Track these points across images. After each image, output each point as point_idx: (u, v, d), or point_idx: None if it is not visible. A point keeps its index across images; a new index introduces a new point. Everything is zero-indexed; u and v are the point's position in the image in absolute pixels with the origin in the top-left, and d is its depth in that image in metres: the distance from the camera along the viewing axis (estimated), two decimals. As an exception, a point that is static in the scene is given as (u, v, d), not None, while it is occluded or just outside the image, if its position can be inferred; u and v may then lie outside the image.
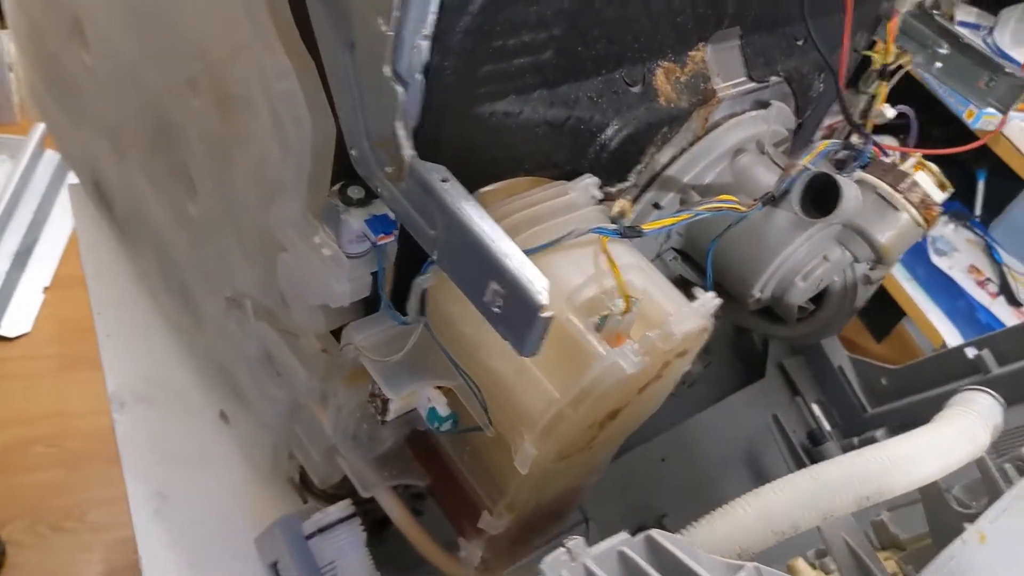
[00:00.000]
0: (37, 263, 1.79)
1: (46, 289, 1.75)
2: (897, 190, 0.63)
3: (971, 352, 0.83)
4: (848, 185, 0.59)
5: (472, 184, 0.55)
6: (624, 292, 0.49)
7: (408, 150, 0.44)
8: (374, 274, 0.53)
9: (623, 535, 0.36)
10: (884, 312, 1.79)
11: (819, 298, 0.70)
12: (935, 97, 1.33)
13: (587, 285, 0.50)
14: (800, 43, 0.70)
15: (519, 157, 0.55)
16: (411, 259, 0.53)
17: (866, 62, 0.78)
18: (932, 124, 0.90)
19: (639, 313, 0.50)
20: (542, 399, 0.48)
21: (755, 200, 0.60)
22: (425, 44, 0.41)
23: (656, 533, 0.35)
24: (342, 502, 0.62)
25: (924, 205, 0.64)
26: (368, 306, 0.58)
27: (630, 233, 0.54)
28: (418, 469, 0.62)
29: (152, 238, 0.83)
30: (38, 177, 1.87)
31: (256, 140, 0.54)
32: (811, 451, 0.96)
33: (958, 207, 1.71)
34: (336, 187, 0.51)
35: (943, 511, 0.47)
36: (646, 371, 0.50)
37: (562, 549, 0.34)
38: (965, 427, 0.45)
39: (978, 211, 1.70)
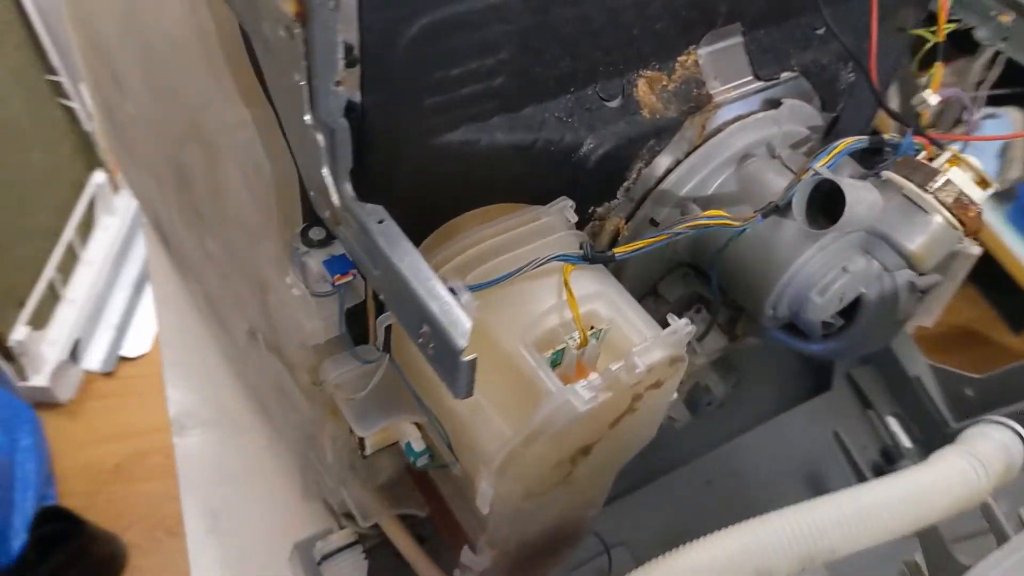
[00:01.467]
0: (153, 287, 1.93)
1: (161, 311, 1.89)
2: (926, 190, 0.57)
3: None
4: (855, 189, 0.53)
5: (442, 215, 0.54)
6: (580, 324, 0.47)
7: (336, 196, 0.44)
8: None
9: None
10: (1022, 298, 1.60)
11: (852, 311, 0.64)
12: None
13: (546, 316, 0.48)
14: (820, 31, 0.64)
15: (490, 183, 0.54)
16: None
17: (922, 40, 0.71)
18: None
19: (604, 344, 0.48)
20: (495, 438, 0.46)
21: (755, 212, 0.56)
22: (341, 89, 0.41)
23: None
24: (344, 530, 0.63)
25: (960, 206, 0.57)
26: (358, 341, 0.58)
27: (599, 258, 0.51)
28: (418, 498, 0.62)
29: (195, 270, 0.87)
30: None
31: (232, 186, 0.56)
32: (885, 470, 0.89)
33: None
34: (300, 228, 0.52)
35: (944, 561, 0.41)
36: (610, 406, 0.47)
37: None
38: (954, 471, 0.40)
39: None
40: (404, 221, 0.51)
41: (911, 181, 0.57)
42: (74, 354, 1.73)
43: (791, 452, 0.86)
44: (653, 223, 0.60)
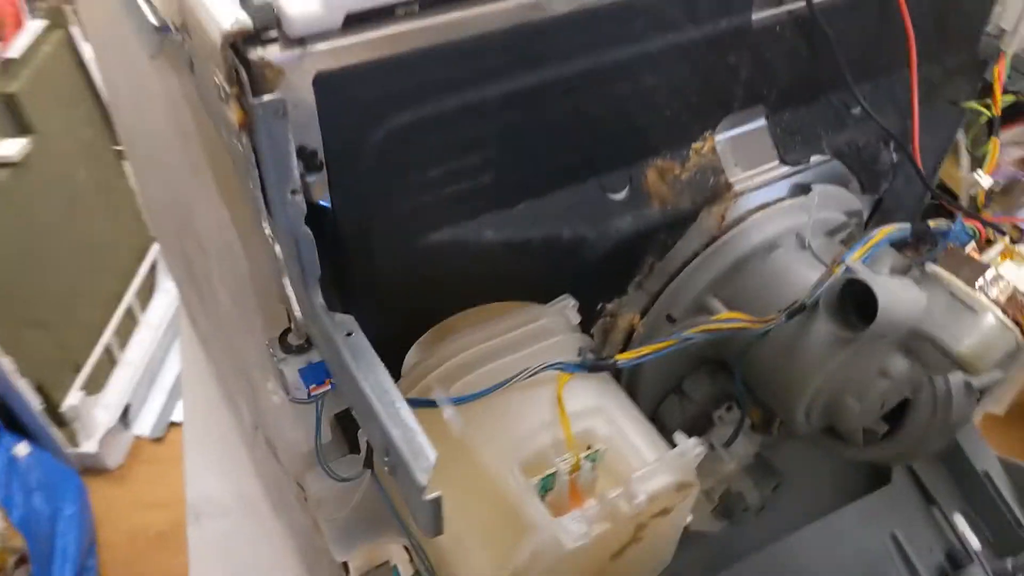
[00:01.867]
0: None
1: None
2: (975, 287, 0.50)
3: None
4: (891, 289, 0.47)
5: (434, 316, 0.51)
6: (573, 445, 0.42)
7: (296, 308, 0.41)
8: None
9: None
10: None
11: (900, 414, 0.58)
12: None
13: (536, 435, 0.44)
14: (855, 111, 0.59)
15: (484, 282, 0.50)
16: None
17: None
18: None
19: (602, 466, 0.43)
20: (476, 574, 0.42)
21: (779, 312, 0.50)
22: (298, 198, 0.38)
23: None
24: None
25: (1015, 304, 0.50)
26: (354, 448, 0.55)
27: (599, 366, 0.47)
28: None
29: (214, 353, 0.86)
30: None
31: (218, 284, 0.54)
32: (950, 575, 0.80)
33: None
34: (278, 335, 0.49)
35: None
36: (609, 537, 0.42)
37: None
38: None
39: None
40: (391, 325, 0.48)
41: (958, 276, 0.51)
42: (125, 418, 1.75)
43: (844, 554, 0.78)
44: (670, 319, 0.55)
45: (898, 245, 0.56)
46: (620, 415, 0.45)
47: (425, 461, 0.36)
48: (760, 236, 0.55)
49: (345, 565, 0.49)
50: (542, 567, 0.40)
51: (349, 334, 0.41)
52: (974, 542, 0.81)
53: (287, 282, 0.40)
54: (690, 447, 0.43)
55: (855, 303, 0.50)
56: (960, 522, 0.82)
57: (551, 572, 0.41)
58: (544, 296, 0.51)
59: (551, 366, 0.45)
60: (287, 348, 0.48)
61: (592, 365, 0.46)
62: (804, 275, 0.54)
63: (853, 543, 0.79)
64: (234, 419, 0.94)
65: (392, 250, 0.45)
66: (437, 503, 0.35)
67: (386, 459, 0.38)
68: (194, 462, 0.92)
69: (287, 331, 0.49)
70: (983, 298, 0.50)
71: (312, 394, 0.46)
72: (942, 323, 0.51)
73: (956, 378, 0.56)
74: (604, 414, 0.45)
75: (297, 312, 0.41)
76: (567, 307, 0.50)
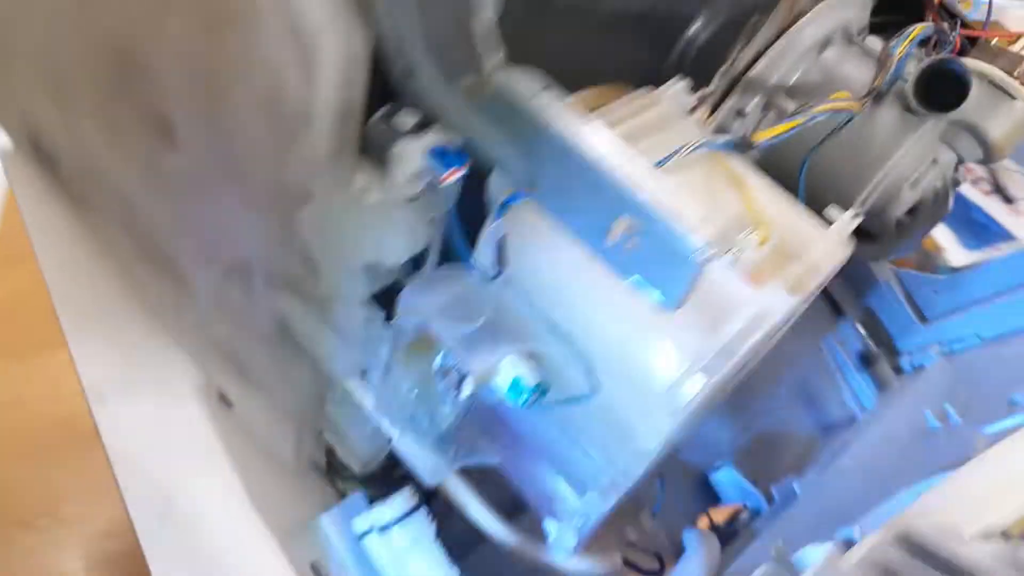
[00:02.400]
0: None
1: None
2: (1014, 75, 0.54)
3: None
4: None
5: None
6: (759, 220, 0.40)
7: (493, 54, 0.33)
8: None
9: (874, 538, 0.27)
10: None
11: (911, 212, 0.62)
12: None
13: (712, 215, 0.40)
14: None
15: (594, 61, 0.44)
16: (469, 199, 0.42)
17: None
18: None
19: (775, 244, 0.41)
20: (674, 358, 0.38)
21: (863, 97, 0.51)
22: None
23: (911, 531, 0.27)
24: (404, 492, 0.52)
25: (1043, 91, 0.55)
26: (413, 263, 0.48)
27: (743, 145, 0.44)
28: (487, 446, 0.53)
29: (116, 201, 0.69)
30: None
31: (264, 66, 0.42)
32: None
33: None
34: (380, 113, 0.40)
35: None
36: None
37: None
38: None
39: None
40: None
41: (995, 65, 0.55)
42: None
43: (783, 365, 0.86)
44: (740, 114, 0.54)
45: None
46: (776, 191, 0.43)
47: (689, 217, 0.31)
48: (819, 30, 0.55)
49: (460, 382, 0.43)
50: (751, 342, 0.38)
51: (541, 90, 0.34)
52: (872, 346, 0.92)
53: (485, 9, 0.32)
54: (847, 219, 0.43)
55: (922, 90, 0.52)
56: (860, 329, 0.93)
57: (758, 346, 0.39)
58: (646, 83, 0.47)
59: (707, 145, 0.42)
60: (395, 130, 0.39)
61: (737, 143, 0.43)
62: (855, 70, 0.55)
63: (789, 355, 0.87)
64: (133, 286, 0.78)
65: (534, 5, 0.38)
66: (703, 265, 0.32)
67: (626, 228, 0.33)
68: (82, 342, 0.76)
69: (394, 109, 0.40)
70: (1019, 86, 0.54)
71: (443, 183, 0.39)
72: (982, 111, 0.55)
73: (957, 174, 0.61)
74: (765, 190, 0.43)
75: (493, 57, 0.33)
76: (680, 90, 0.46)
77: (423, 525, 0.51)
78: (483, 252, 0.41)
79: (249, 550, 0.68)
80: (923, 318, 0.92)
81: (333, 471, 0.67)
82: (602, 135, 0.33)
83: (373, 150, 0.40)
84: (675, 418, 0.38)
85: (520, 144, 0.35)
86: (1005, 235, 0.93)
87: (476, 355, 0.42)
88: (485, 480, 0.57)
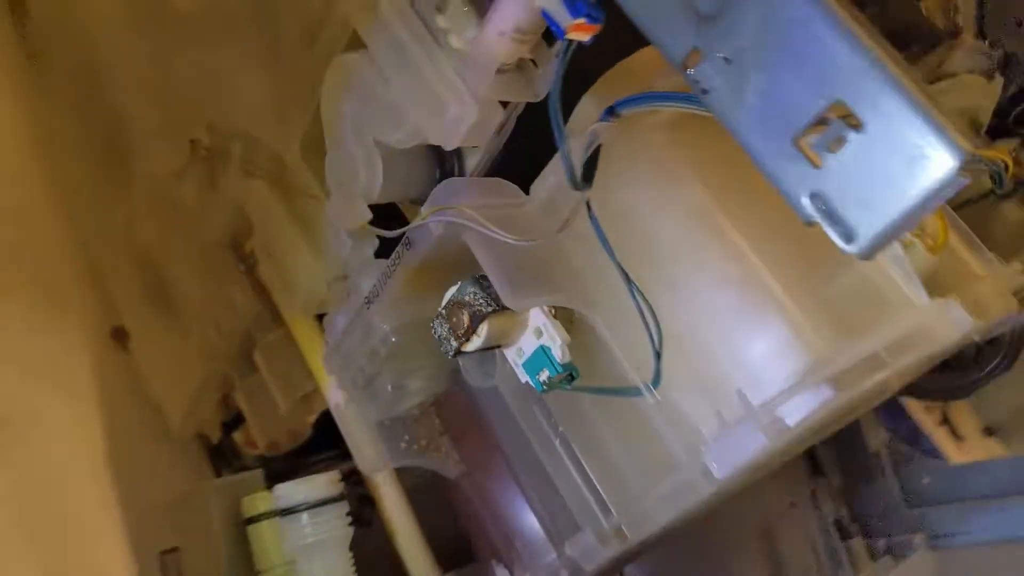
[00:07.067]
0: None
1: None
2: None
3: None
4: None
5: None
6: (936, 227, 0.30)
7: None
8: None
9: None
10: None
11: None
12: None
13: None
14: None
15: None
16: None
17: None
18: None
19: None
20: (789, 357, 0.28)
21: None
22: None
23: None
24: (331, 474, 0.38)
25: None
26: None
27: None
28: (448, 451, 0.40)
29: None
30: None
31: None
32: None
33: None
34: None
35: None
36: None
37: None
38: None
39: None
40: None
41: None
42: None
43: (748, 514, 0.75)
44: None
45: None
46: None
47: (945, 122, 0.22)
48: None
49: (481, 320, 0.31)
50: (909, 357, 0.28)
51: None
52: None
53: None
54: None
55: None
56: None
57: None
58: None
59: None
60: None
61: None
62: None
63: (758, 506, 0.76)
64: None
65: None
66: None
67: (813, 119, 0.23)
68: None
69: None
70: None
71: (570, 34, 0.28)
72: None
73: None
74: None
75: None
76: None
77: (339, 523, 0.37)
78: (573, 152, 0.30)
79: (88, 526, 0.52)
80: (910, 503, 0.84)
81: (224, 448, 0.52)
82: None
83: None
84: (767, 438, 0.27)
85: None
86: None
87: (518, 292, 0.30)
88: (429, 506, 0.43)
